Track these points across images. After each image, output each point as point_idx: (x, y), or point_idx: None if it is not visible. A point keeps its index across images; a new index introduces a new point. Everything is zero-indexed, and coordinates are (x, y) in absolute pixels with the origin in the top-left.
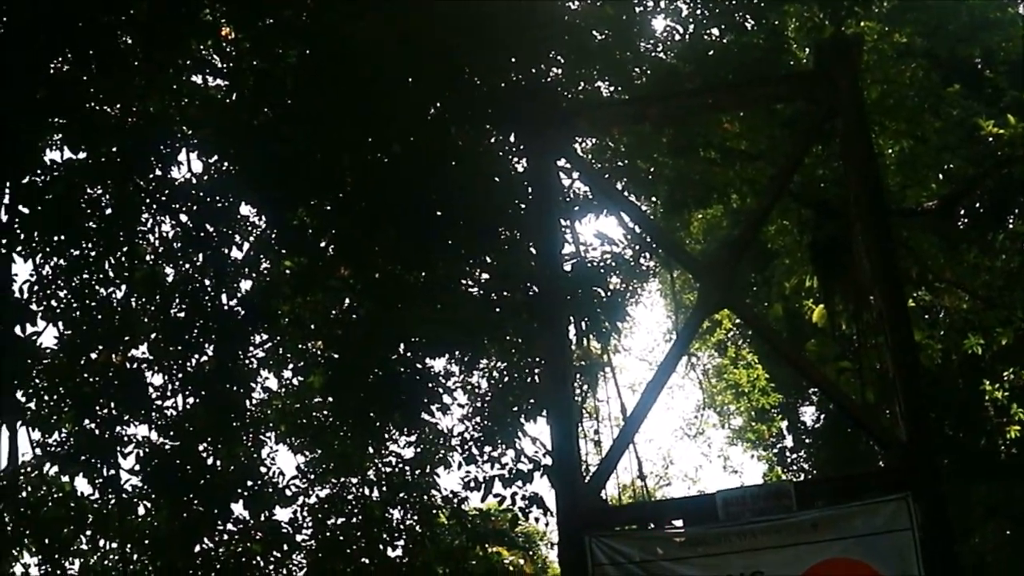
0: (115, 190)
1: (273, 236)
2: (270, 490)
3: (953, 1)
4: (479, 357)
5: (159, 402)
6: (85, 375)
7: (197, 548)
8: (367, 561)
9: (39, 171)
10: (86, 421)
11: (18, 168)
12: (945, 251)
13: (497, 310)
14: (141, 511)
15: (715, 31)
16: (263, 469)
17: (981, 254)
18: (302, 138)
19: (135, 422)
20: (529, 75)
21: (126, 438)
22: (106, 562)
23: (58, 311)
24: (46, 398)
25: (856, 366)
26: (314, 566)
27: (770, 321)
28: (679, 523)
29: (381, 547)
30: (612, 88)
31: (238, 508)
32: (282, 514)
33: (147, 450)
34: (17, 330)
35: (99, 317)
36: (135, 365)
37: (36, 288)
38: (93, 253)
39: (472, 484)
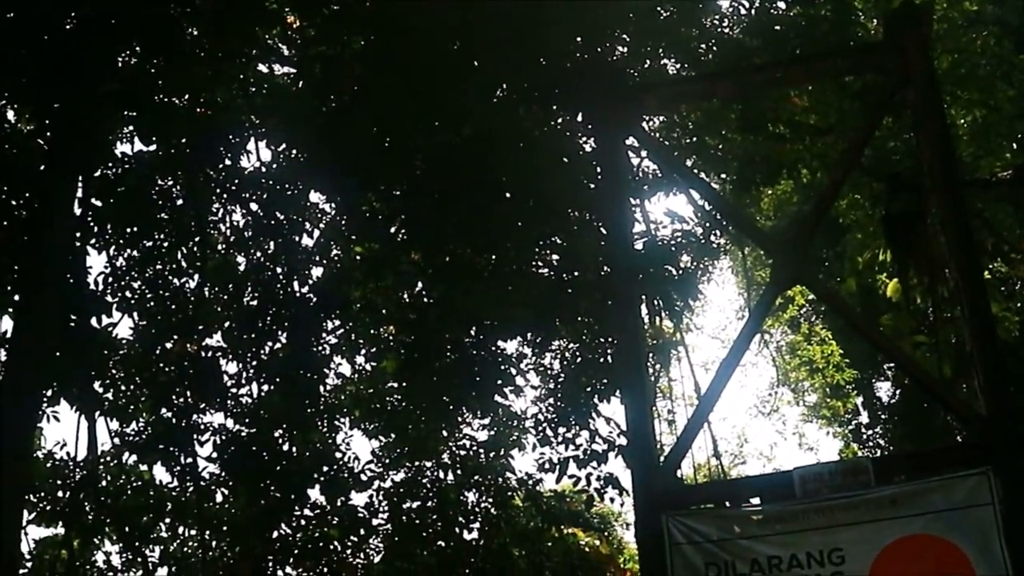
0: (186, 181)
1: (343, 222)
2: (346, 475)
3: None
4: (551, 338)
5: (234, 390)
6: (161, 365)
7: (275, 533)
8: (443, 544)
9: (111, 164)
10: (163, 410)
11: (91, 162)
12: (1021, 221)
13: (568, 291)
14: (219, 498)
15: (781, 4)
16: (338, 454)
17: None
18: (371, 124)
19: (211, 410)
20: (595, 54)
21: (202, 426)
22: (185, 548)
23: (132, 302)
24: (123, 388)
25: (932, 340)
26: (391, 550)
27: (843, 296)
28: (756, 501)
29: (457, 530)
30: (679, 65)
31: (314, 493)
32: (358, 499)
33: (224, 437)
34: (93, 322)
35: (173, 307)
36: (210, 354)
37: (111, 280)
38: (166, 244)
39: (547, 466)
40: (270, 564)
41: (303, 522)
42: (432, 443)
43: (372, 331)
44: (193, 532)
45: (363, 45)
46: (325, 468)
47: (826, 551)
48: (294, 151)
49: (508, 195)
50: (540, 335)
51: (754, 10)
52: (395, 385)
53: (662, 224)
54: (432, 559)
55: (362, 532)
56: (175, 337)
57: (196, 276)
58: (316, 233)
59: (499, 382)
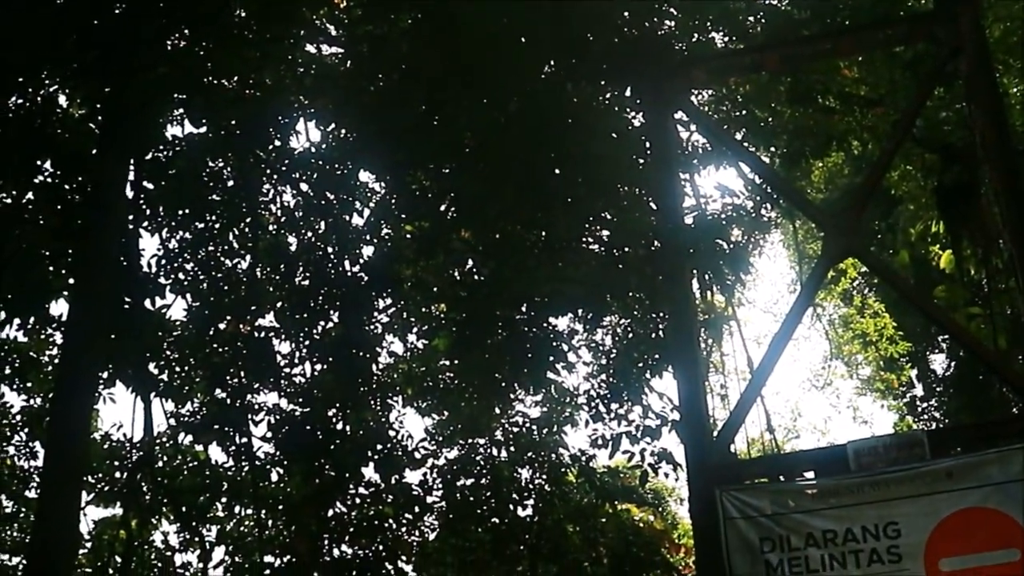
0: (236, 162)
1: (393, 201)
2: (399, 453)
3: None
4: (602, 314)
5: (287, 370)
6: (214, 345)
7: (330, 512)
8: (497, 521)
9: (162, 147)
10: (217, 391)
11: (142, 145)
12: None
13: (619, 266)
14: (274, 477)
15: None
16: (392, 433)
17: None
18: (419, 102)
19: (265, 390)
20: (643, 28)
21: (257, 406)
22: (241, 527)
23: (185, 283)
24: (178, 369)
25: (987, 311)
26: (445, 527)
27: (897, 268)
28: (810, 475)
29: (511, 507)
30: (727, 38)
31: (369, 472)
32: (412, 476)
33: (278, 417)
34: (147, 304)
35: (225, 288)
36: (263, 334)
37: (163, 262)
38: (217, 225)
39: (599, 442)
40: (326, 542)
41: (358, 500)
42: (485, 420)
43: (423, 309)
44: (249, 511)
45: (410, 23)
46: (379, 446)
47: (881, 525)
48: (343, 131)
49: (557, 171)
50: (591, 311)
51: None
52: (447, 363)
53: (712, 198)
54: (486, 536)
55: (416, 510)
56: (228, 318)
57: (248, 257)
58: (366, 212)
59: (551, 358)
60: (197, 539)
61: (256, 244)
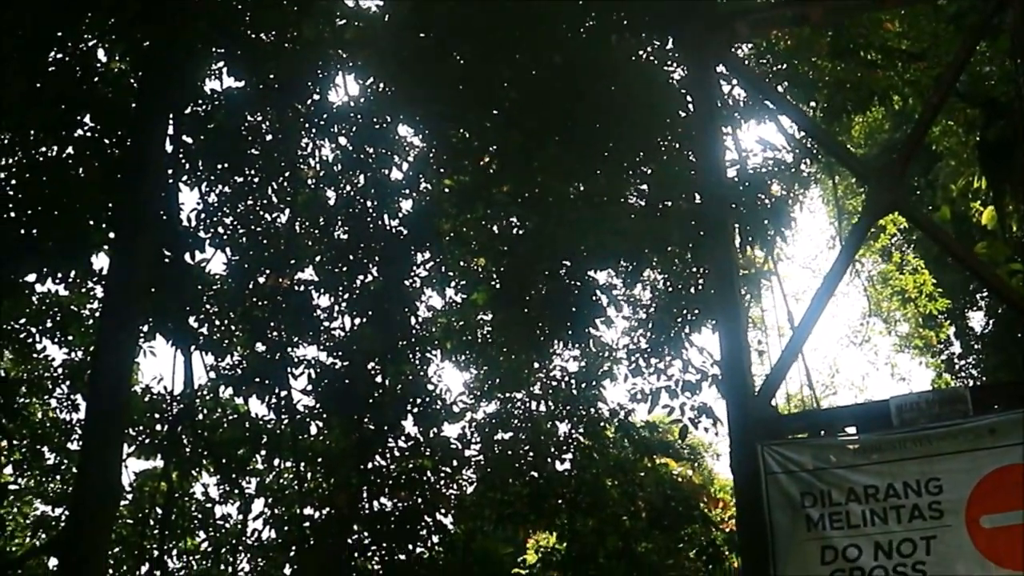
0: (275, 116)
1: (432, 155)
2: (438, 407)
3: None
4: (643, 267)
5: (327, 323)
6: (254, 299)
7: (369, 464)
8: (535, 475)
9: (201, 102)
10: (257, 344)
11: (181, 100)
12: None
13: (661, 220)
14: (313, 430)
15: None
16: (430, 386)
17: None
18: (461, 56)
19: (304, 343)
20: None
21: (296, 359)
22: (281, 480)
23: (225, 237)
24: (217, 323)
25: None
26: (483, 480)
27: (939, 224)
28: (851, 431)
29: (549, 461)
30: None
31: (408, 425)
32: (450, 430)
33: (317, 371)
34: (187, 258)
35: (264, 242)
36: (302, 288)
37: (203, 216)
38: (256, 179)
39: (639, 396)
40: (365, 495)
41: (397, 453)
42: (523, 374)
43: (462, 263)
44: (289, 464)
45: None
46: (417, 400)
47: (923, 480)
48: (382, 84)
49: (599, 125)
50: (631, 264)
51: None
52: (486, 317)
53: (752, 152)
54: (524, 490)
55: (455, 463)
56: (267, 272)
57: (287, 211)
58: (405, 166)
59: (591, 313)
60: (237, 491)
61: (295, 198)
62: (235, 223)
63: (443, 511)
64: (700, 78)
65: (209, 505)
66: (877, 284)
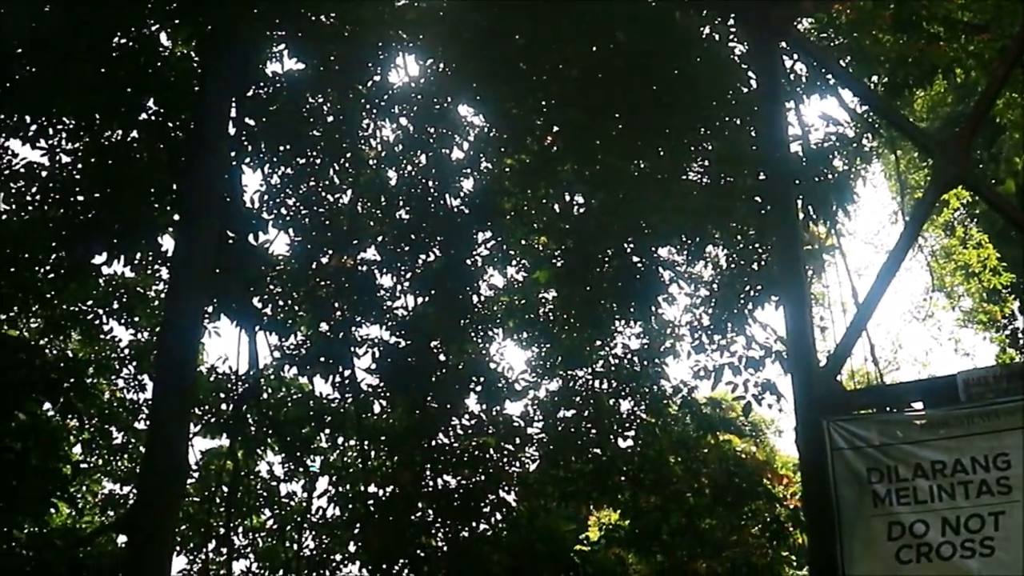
0: (336, 98)
1: (493, 134)
2: (501, 385)
3: None
4: (705, 244)
5: (390, 303)
6: (317, 279)
7: (432, 442)
8: (598, 452)
9: (263, 84)
10: (321, 324)
11: (243, 82)
12: None
13: (723, 196)
14: (377, 408)
15: None
16: (493, 365)
17: None
18: (523, 34)
19: (367, 323)
20: None
21: (360, 338)
22: (345, 458)
23: (288, 218)
24: (281, 303)
25: None
26: (546, 458)
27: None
28: (918, 406)
29: (612, 438)
30: None
31: (471, 403)
32: (513, 408)
33: (380, 349)
34: (250, 239)
35: (327, 222)
36: (365, 268)
37: (266, 197)
38: (318, 160)
39: (702, 373)
40: (428, 472)
41: (460, 431)
42: (585, 352)
43: (524, 242)
44: (353, 442)
45: None
46: (480, 378)
47: (991, 456)
48: (442, 64)
49: (661, 102)
50: (695, 240)
51: None
52: (548, 295)
53: (815, 127)
54: (587, 467)
55: (518, 441)
56: (330, 252)
57: (349, 191)
58: (465, 146)
59: (654, 290)
60: (302, 469)
61: (357, 179)
62: (298, 204)
63: (506, 488)
64: (763, 53)
65: (274, 483)
66: (940, 259)
